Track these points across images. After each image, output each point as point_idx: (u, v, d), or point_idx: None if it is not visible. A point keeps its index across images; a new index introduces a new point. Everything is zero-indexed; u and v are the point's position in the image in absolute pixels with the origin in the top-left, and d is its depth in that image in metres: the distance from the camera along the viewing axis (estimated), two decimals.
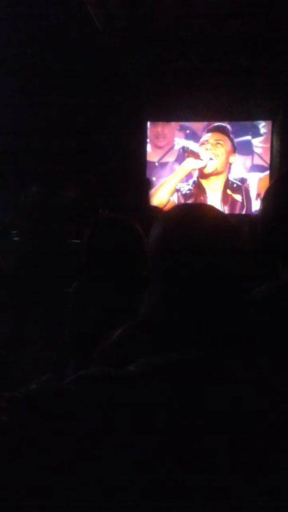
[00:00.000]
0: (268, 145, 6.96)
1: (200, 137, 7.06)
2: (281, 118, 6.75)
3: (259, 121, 7.01)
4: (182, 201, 6.91)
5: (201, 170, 7.01)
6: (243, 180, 6.99)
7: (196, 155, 7.04)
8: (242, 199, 6.98)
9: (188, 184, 7.07)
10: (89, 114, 6.19)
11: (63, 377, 1.65)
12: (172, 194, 7.04)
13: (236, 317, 0.64)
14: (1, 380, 2.98)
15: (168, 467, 0.52)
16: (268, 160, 6.97)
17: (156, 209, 4.92)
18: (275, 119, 6.92)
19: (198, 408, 0.56)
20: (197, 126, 7.09)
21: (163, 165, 7.17)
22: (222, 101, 6.70)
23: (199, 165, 6.99)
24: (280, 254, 0.96)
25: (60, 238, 4.51)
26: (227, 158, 6.99)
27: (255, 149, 7.01)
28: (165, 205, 6.62)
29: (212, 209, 0.78)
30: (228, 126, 7.01)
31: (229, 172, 7.00)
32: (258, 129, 7.03)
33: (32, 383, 1.31)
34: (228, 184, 7.00)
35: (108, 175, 6.35)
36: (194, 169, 7.03)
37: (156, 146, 7.17)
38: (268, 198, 0.97)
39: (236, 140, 7.03)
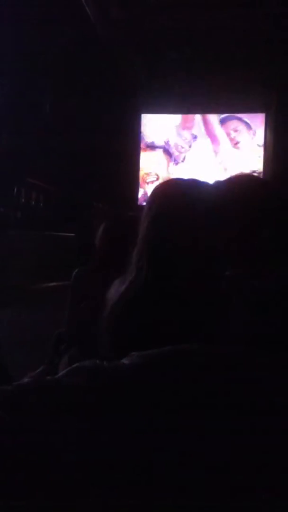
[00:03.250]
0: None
1: None
2: (275, 111, 6.75)
3: (252, 114, 7.01)
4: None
5: None
6: None
7: None
8: None
9: None
10: (82, 106, 6.16)
11: (58, 370, 1.65)
12: None
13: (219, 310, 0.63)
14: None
15: (166, 465, 0.51)
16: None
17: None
18: (268, 112, 6.92)
19: (193, 403, 0.55)
20: None
21: None
22: (216, 94, 6.69)
23: None
24: None
25: None
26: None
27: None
28: None
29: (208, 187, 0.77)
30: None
31: None
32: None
33: (26, 377, 1.31)
34: None
35: (101, 169, 6.33)
36: None
37: None
38: None
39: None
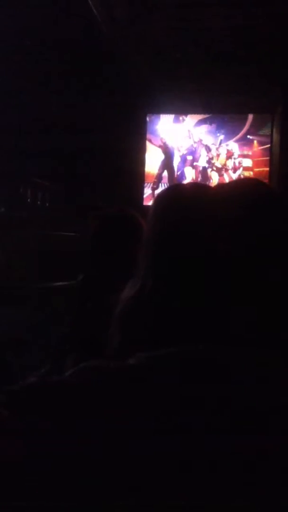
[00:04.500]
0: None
1: None
2: (281, 111, 6.72)
3: (258, 114, 6.98)
4: None
5: None
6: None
7: None
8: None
9: None
10: (86, 107, 6.15)
11: (63, 369, 1.65)
12: None
13: (236, 306, 0.63)
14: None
15: (168, 466, 0.52)
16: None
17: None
18: (274, 112, 6.89)
19: (197, 404, 0.55)
20: None
21: None
22: (221, 94, 6.67)
23: None
24: None
25: None
26: None
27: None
28: None
29: (208, 187, 0.78)
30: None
31: None
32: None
33: (32, 376, 1.31)
34: None
35: (108, 168, 6.33)
36: None
37: None
38: None
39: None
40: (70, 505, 0.50)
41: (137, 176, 7.08)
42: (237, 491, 0.50)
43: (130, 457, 0.51)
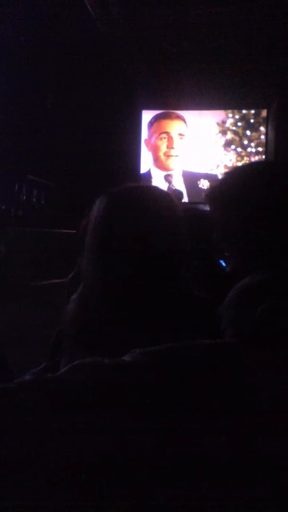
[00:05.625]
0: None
1: None
2: (276, 107, 6.72)
3: (254, 109, 6.98)
4: None
5: None
6: None
7: None
8: None
9: None
10: (83, 103, 6.14)
11: (58, 367, 1.65)
12: None
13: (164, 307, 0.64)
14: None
15: (167, 464, 0.51)
16: None
17: None
18: (270, 107, 6.89)
19: (194, 401, 0.55)
20: None
21: None
22: (217, 89, 6.67)
23: None
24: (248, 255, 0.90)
25: None
26: None
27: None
28: None
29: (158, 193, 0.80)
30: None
31: None
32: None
33: (28, 374, 1.30)
34: None
35: (103, 165, 6.32)
36: None
37: None
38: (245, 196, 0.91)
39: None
40: (70, 505, 0.49)
41: (132, 172, 7.07)
42: (237, 491, 0.50)
43: (129, 457, 0.51)
